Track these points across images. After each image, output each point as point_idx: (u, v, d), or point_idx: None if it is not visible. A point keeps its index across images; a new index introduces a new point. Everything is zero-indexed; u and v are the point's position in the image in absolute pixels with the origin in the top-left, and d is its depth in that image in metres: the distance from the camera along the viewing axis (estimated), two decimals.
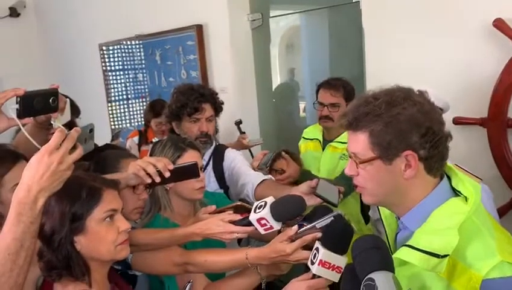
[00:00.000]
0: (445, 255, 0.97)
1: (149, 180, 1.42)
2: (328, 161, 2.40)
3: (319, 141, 2.50)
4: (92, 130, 1.19)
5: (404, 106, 1.03)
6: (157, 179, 1.42)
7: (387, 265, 0.94)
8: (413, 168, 1.04)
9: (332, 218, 1.24)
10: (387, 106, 1.03)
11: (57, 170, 1.02)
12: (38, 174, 1.01)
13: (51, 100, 1.32)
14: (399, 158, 1.04)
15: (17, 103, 1.25)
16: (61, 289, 1.24)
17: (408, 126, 1.02)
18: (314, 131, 2.57)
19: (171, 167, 1.43)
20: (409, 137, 1.02)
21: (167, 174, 1.42)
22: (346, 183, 2.04)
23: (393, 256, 1.07)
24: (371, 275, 0.90)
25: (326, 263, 1.12)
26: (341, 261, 1.13)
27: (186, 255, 1.50)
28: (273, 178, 2.06)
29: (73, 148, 1.06)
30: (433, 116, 1.05)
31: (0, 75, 4.74)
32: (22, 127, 1.24)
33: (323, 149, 2.47)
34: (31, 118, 1.33)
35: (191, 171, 1.50)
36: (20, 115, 1.26)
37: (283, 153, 2.26)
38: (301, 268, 1.54)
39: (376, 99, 1.05)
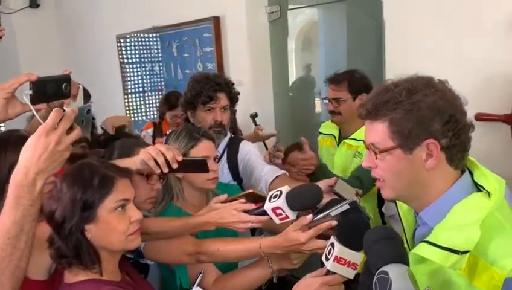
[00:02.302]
0: (466, 252, 0.94)
1: (158, 171, 1.41)
2: (342, 158, 2.37)
3: (334, 137, 2.47)
4: (89, 111, 1.18)
5: (425, 93, 0.99)
6: (165, 170, 1.40)
7: (401, 257, 0.91)
8: (434, 158, 1.00)
9: (347, 205, 1.21)
10: (407, 93, 1.00)
11: (55, 150, 1.00)
12: (36, 155, 0.99)
13: (63, 86, 1.31)
14: (420, 147, 1.00)
15: (30, 89, 1.25)
16: (71, 277, 1.24)
17: (430, 113, 0.98)
18: (330, 126, 2.53)
19: (180, 158, 1.41)
20: (431, 125, 0.99)
21: (175, 166, 1.40)
22: (358, 182, 2.02)
23: (411, 252, 1.04)
24: (384, 268, 0.87)
25: (342, 259, 1.09)
26: (357, 257, 1.10)
27: (198, 245, 1.49)
28: (287, 173, 2.03)
29: (71, 129, 1.04)
30: (456, 104, 1.02)
31: (20, 65, 4.80)
32: (35, 113, 1.23)
33: (338, 145, 2.43)
34: (45, 104, 1.32)
35: (200, 167, 1.49)
36: (34, 100, 1.25)
37: (302, 139, 2.16)
38: (314, 264, 1.51)
39: (396, 86, 1.02)
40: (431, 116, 0.99)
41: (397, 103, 1.00)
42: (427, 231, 1.05)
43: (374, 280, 0.88)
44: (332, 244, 1.12)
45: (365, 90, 2.25)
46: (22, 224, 1.00)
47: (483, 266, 0.94)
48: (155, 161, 1.38)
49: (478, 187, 1.05)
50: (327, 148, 2.51)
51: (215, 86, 2.04)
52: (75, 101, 1.44)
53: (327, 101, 2.40)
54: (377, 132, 1.04)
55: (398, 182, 1.06)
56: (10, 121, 1.45)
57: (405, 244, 1.17)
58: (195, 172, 1.57)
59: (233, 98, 2.13)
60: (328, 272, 1.12)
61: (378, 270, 0.88)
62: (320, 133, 2.59)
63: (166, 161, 1.38)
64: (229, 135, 2.20)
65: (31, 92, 1.24)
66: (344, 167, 2.32)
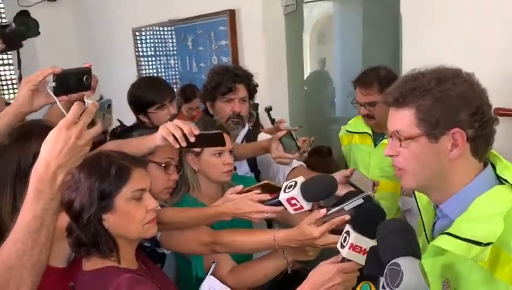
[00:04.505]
0: (489, 243, 0.93)
1: (177, 146, 1.41)
2: (380, 158, 2.27)
3: (369, 135, 2.37)
4: (109, 106, 1.19)
5: (454, 82, 0.99)
6: (184, 144, 1.41)
7: (414, 251, 0.90)
8: (459, 148, 1.00)
9: (361, 200, 1.21)
10: (436, 81, 1.00)
11: (75, 145, 0.99)
12: (57, 149, 0.98)
13: (84, 79, 1.34)
14: (446, 136, 1.00)
15: (53, 81, 1.27)
16: (90, 265, 1.26)
17: (458, 102, 0.98)
18: (360, 124, 2.43)
19: (197, 132, 1.42)
20: (458, 114, 0.98)
21: (192, 139, 1.40)
22: None
23: (431, 244, 1.04)
24: (397, 260, 0.87)
25: (357, 247, 1.09)
26: (372, 245, 1.09)
27: (214, 235, 1.50)
28: (304, 164, 2.03)
29: (93, 124, 1.04)
30: (483, 96, 1.02)
31: (37, 57, 4.86)
32: (58, 103, 1.25)
33: (374, 142, 2.35)
34: (66, 95, 1.34)
35: (217, 139, 1.49)
36: (57, 92, 1.27)
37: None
38: (329, 255, 1.51)
39: (424, 75, 1.02)
40: (459, 106, 0.98)
41: (426, 90, 1.00)
42: (447, 224, 1.04)
43: (385, 271, 0.88)
44: (347, 232, 1.12)
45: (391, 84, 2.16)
46: (43, 218, 0.99)
47: (506, 258, 0.94)
48: (173, 136, 1.39)
49: (501, 180, 1.04)
50: (358, 145, 2.42)
51: (234, 77, 2.04)
52: (93, 93, 1.46)
53: (358, 104, 2.27)
54: (403, 119, 1.03)
55: (420, 171, 1.05)
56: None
57: (424, 237, 1.16)
58: (212, 146, 1.59)
59: (251, 89, 2.13)
60: (343, 260, 1.13)
61: (390, 262, 0.88)
62: (348, 131, 2.49)
63: (184, 135, 1.39)
64: (247, 126, 2.20)
65: (54, 84, 1.26)
66: (381, 166, 2.26)
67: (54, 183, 0.99)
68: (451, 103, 0.98)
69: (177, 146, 1.41)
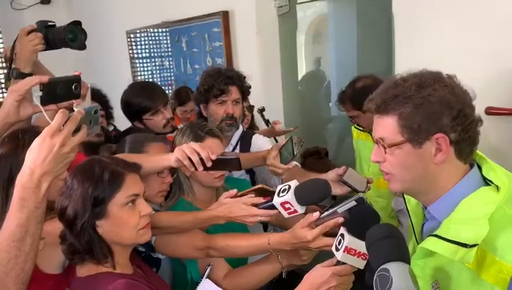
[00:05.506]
0: (474, 245, 0.94)
1: (192, 169, 1.43)
2: None
3: (370, 133, 2.42)
4: (96, 112, 1.18)
5: (434, 87, 1.00)
6: (200, 169, 1.43)
7: (403, 257, 0.91)
8: (443, 152, 1.01)
9: (354, 202, 1.22)
10: (417, 88, 1.00)
11: (60, 152, 0.99)
12: (41, 157, 0.97)
13: (73, 87, 1.33)
14: (429, 142, 1.01)
15: (40, 90, 1.26)
16: (84, 272, 1.25)
17: (439, 108, 0.99)
18: None
19: (214, 157, 1.43)
20: (440, 119, 0.99)
21: (209, 164, 1.42)
22: None
23: (419, 246, 1.05)
24: (386, 266, 0.87)
25: (352, 249, 1.10)
26: None
27: (208, 240, 1.50)
28: (299, 165, 2.03)
29: (78, 130, 1.03)
30: (465, 99, 1.02)
31: None
32: (44, 113, 1.24)
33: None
34: (54, 105, 1.33)
35: (234, 164, 1.50)
36: (44, 102, 1.26)
37: None
38: (324, 258, 1.52)
39: (405, 81, 1.02)
40: (441, 111, 0.99)
41: (407, 97, 1.00)
42: (435, 225, 1.05)
43: (375, 277, 0.88)
44: (342, 235, 1.13)
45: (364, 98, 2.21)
46: (27, 226, 0.99)
47: (492, 259, 0.95)
48: (190, 159, 1.40)
49: (487, 181, 1.04)
50: (363, 141, 2.50)
51: (226, 80, 2.04)
52: (84, 101, 1.45)
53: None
54: (386, 126, 1.04)
55: (406, 175, 1.06)
56: None
57: (414, 239, 1.17)
58: (228, 169, 1.61)
59: (244, 91, 2.14)
60: (338, 263, 1.13)
61: (379, 268, 0.88)
62: (355, 127, 2.56)
63: (201, 159, 1.40)
64: (241, 128, 2.21)
65: (41, 93, 1.25)
66: None
67: (39, 192, 0.99)
68: (432, 109, 0.99)
69: (193, 169, 1.43)
